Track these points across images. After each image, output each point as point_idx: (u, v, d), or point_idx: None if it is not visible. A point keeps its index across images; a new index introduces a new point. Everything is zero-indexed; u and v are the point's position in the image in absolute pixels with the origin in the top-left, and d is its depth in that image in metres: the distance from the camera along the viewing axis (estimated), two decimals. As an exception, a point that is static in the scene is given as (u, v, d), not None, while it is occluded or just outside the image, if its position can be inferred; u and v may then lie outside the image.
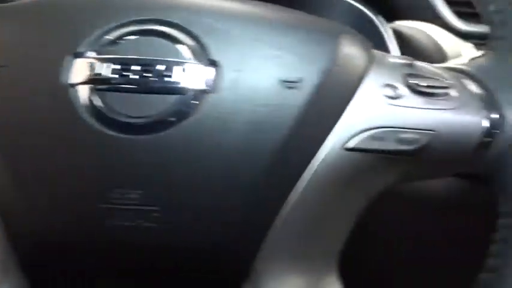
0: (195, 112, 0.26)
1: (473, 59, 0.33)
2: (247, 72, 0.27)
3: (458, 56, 0.58)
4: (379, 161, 0.29)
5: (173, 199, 0.27)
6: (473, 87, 0.31)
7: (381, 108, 0.28)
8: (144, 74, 0.26)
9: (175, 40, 0.27)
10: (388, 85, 0.29)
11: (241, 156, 0.27)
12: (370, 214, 0.35)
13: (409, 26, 0.62)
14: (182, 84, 0.27)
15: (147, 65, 0.27)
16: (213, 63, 0.27)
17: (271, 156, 0.27)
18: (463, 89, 0.30)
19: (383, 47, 0.60)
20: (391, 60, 0.31)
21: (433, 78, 0.30)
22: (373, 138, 0.28)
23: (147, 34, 0.28)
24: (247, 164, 0.27)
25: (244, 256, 0.28)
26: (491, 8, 0.32)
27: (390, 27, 0.63)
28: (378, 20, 0.60)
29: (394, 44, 0.60)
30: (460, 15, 0.63)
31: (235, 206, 0.27)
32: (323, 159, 0.28)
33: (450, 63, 0.40)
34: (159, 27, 0.28)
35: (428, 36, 0.59)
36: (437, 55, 0.57)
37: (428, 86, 0.30)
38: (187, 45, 0.27)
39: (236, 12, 0.28)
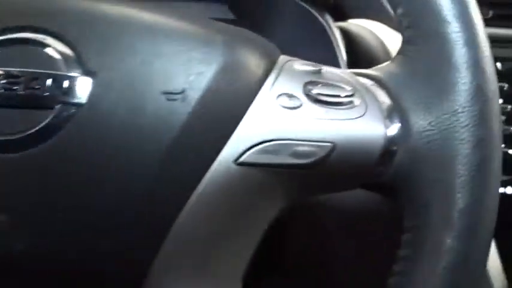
0: (69, 126, 0.24)
1: (388, 64, 0.31)
2: (126, 84, 0.25)
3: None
4: (275, 175, 0.27)
5: (48, 220, 0.25)
6: (381, 95, 0.29)
7: (276, 119, 0.27)
8: (13, 87, 0.24)
9: (48, 49, 0.25)
10: (286, 95, 0.27)
11: (121, 174, 0.25)
12: (279, 228, 0.34)
13: (358, 25, 0.61)
14: (54, 97, 0.25)
15: (16, 77, 0.25)
16: (89, 73, 0.25)
17: (156, 172, 0.25)
18: (369, 97, 0.29)
19: (329, 47, 0.59)
20: (297, 67, 0.29)
21: (337, 86, 0.28)
22: (266, 151, 0.26)
23: (17, 43, 0.26)
24: (128, 182, 0.25)
25: (134, 276, 0.26)
26: (399, 10, 0.30)
27: (338, 26, 0.62)
28: (324, 19, 0.59)
29: (340, 44, 0.58)
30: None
31: (118, 225, 0.25)
32: (214, 175, 0.26)
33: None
34: (30, 34, 0.26)
35: (375, 35, 0.57)
36: (382, 54, 0.55)
37: (329, 95, 0.28)
38: (61, 54, 0.25)
39: (116, 18, 0.27)
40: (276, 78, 0.27)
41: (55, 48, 0.25)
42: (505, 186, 0.51)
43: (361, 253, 0.33)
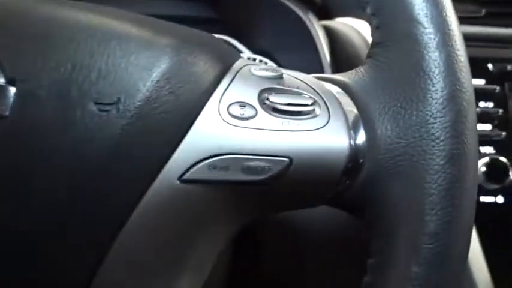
0: None
1: (357, 68, 0.29)
2: (53, 93, 0.22)
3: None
4: (225, 193, 0.24)
5: None
6: (346, 103, 0.26)
7: (226, 131, 0.24)
8: None
9: None
10: (239, 103, 0.25)
11: (50, 195, 0.22)
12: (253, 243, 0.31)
13: (343, 23, 0.58)
14: None
15: None
16: (10, 81, 0.22)
17: (88, 193, 0.23)
18: (333, 105, 0.26)
19: (311, 46, 0.56)
20: (254, 72, 0.26)
21: (297, 94, 0.26)
22: (215, 167, 0.24)
23: None
24: (58, 203, 0.23)
25: None
26: (368, 10, 0.27)
27: (322, 25, 0.59)
28: (307, 18, 0.56)
29: (323, 43, 0.55)
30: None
31: (50, 248, 0.23)
32: (156, 194, 0.23)
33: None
34: None
35: (360, 34, 0.54)
36: (365, 52, 0.53)
37: (287, 104, 0.25)
38: None
39: (42, 18, 0.24)
40: (229, 84, 0.25)
41: None
42: (495, 195, 0.48)
43: (333, 269, 0.31)
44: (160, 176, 0.23)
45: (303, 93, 0.25)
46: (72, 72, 0.22)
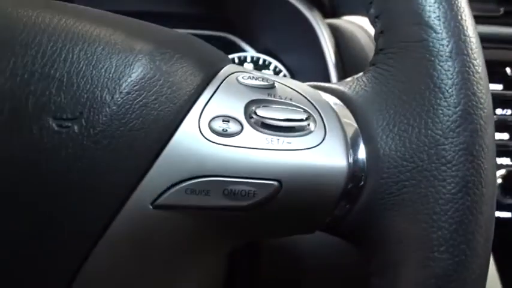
0: None
1: (358, 77, 0.26)
2: (7, 105, 0.19)
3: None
4: (205, 219, 0.21)
5: None
6: (345, 116, 0.23)
7: (206, 150, 0.21)
8: None
9: None
10: (222, 117, 0.22)
11: (7, 221, 0.20)
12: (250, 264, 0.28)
13: (350, 22, 0.55)
14: None
15: None
16: None
17: (49, 219, 0.20)
18: (330, 119, 0.23)
19: (316, 45, 0.53)
20: (242, 80, 0.23)
21: (289, 107, 0.23)
22: (193, 191, 0.21)
23: None
24: (16, 229, 0.20)
25: None
26: (372, 11, 0.24)
27: (328, 23, 0.56)
28: (312, 16, 0.53)
29: (328, 42, 0.52)
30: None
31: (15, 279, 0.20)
32: (125, 221, 0.20)
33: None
34: None
35: (368, 33, 0.51)
36: (371, 49, 0.49)
37: (277, 119, 0.22)
38: None
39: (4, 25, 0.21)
40: (212, 95, 0.22)
41: None
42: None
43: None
44: (130, 202, 0.20)
45: (296, 106, 0.22)
46: (29, 81, 0.19)
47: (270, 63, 0.68)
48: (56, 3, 0.23)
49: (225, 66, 0.24)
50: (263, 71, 0.71)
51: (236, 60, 0.70)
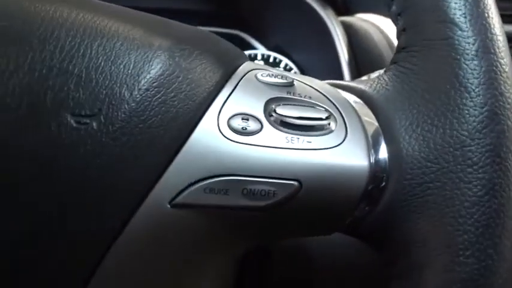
0: None
1: (379, 75, 0.25)
2: (25, 101, 0.19)
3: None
4: (223, 219, 0.21)
5: None
6: (366, 115, 0.23)
7: (225, 148, 0.20)
8: None
9: None
10: (241, 115, 0.21)
11: (26, 217, 0.20)
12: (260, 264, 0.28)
13: (363, 20, 0.54)
14: None
15: None
16: None
17: (67, 216, 0.20)
18: (351, 118, 0.22)
19: (329, 43, 0.53)
20: (261, 78, 0.23)
21: (309, 105, 0.22)
22: (212, 190, 0.20)
23: None
24: (36, 225, 0.20)
25: None
26: (394, 8, 0.24)
27: (341, 21, 0.55)
28: (325, 13, 0.52)
29: (341, 40, 0.52)
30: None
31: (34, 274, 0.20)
32: (143, 220, 0.20)
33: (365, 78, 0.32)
34: None
35: (382, 31, 0.51)
36: (387, 52, 0.49)
37: (298, 117, 0.22)
38: None
39: (16, 17, 0.20)
40: (231, 93, 0.21)
41: None
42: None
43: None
44: (148, 201, 0.20)
45: (317, 105, 0.22)
46: (47, 76, 0.19)
47: (280, 60, 0.68)
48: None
49: (243, 63, 0.23)
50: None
51: (246, 58, 0.69)
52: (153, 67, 0.20)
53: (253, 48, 0.69)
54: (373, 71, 0.52)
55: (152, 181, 0.20)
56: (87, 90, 0.19)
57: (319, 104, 0.22)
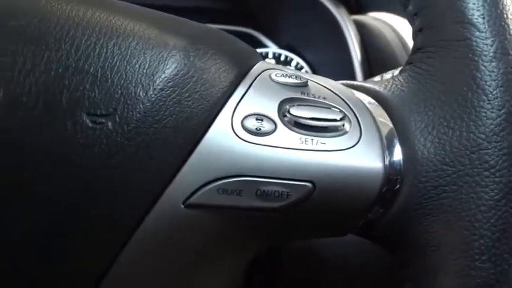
0: None
1: (393, 76, 0.25)
2: (42, 100, 0.19)
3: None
4: (236, 220, 0.21)
5: None
6: (380, 116, 0.23)
7: (239, 148, 0.20)
8: None
9: None
10: (255, 115, 0.21)
11: (40, 214, 0.20)
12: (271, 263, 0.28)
13: (376, 19, 0.54)
14: None
15: None
16: None
17: (81, 213, 0.20)
18: (365, 119, 0.22)
19: (341, 42, 0.52)
20: (275, 78, 0.23)
21: (323, 106, 0.22)
22: (225, 191, 0.20)
23: None
24: (49, 223, 0.20)
25: None
26: (410, 8, 0.23)
27: (354, 20, 0.55)
28: (338, 12, 0.52)
29: (355, 39, 0.51)
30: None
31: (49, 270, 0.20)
32: (157, 219, 0.20)
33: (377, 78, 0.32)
34: None
35: (395, 30, 0.50)
36: (401, 52, 0.48)
37: (312, 118, 0.22)
38: None
39: (31, 16, 0.20)
40: (245, 93, 0.21)
41: None
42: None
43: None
44: (162, 200, 0.20)
45: (331, 106, 0.22)
46: (63, 76, 0.19)
47: (291, 59, 0.68)
48: None
49: (257, 62, 0.23)
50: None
51: (258, 56, 0.69)
52: (168, 67, 0.20)
53: (264, 46, 0.69)
54: (385, 70, 0.52)
55: (166, 181, 0.20)
56: (102, 89, 0.19)
57: (333, 104, 0.22)
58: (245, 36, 0.70)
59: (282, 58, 0.67)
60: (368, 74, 0.49)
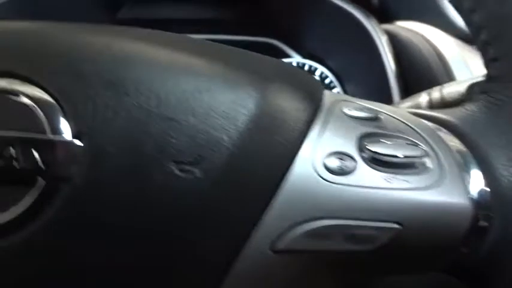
0: (56, 206, 0.18)
1: (466, 105, 0.24)
2: (127, 149, 0.19)
3: (461, 65, 0.49)
4: (325, 262, 0.21)
5: None
6: (459, 150, 0.22)
7: (324, 190, 0.20)
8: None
9: (23, 100, 0.19)
10: (336, 154, 0.21)
11: (127, 264, 0.19)
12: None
13: (407, 29, 0.53)
14: (34, 170, 0.18)
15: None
16: (78, 135, 0.18)
17: (166, 264, 0.19)
18: (444, 153, 0.21)
19: (374, 54, 0.52)
20: (348, 112, 0.22)
21: (401, 142, 0.21)
22: (312, 235, 0.20)
23: None
24: (134, 273, 0.19)
25: None
26: (483, 36, 0.23)
27: (384, 30, 0.54)
28: (370, 24, 0.51)
29: (388, 51, 0.51)
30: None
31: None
32: (244, 266, 0.20)
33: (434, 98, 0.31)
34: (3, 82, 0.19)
35: (428, 41, 0.50)
36: (438, 65, 0.48)
37: (393, 156, 0.21)
38: (41, 107, 0.19)
39: (109, 61, 0.19)
40: (323, 129, 0.21)
41: (33, 99, 0.19)
42: None
43: None
44: (249, 245, 0.19)
45: (409, 140, 0.21)
46: (146, 123, 0.19)
47: (316, 68, 0.67)
48: (153, 34, 0.22)
49: (322, 93, 0.23)
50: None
51: (281, 66, 0.68)
52: (248, 108, 0.19)
53: (287, 55, 0.68)
54: (421, 84, 0.51)
55: (252, 225, 0.19)
56: (186, 136, 0.19)
57: (411, 139, 0.21)
58: (266, 46, 0.70)
59: (306, 67, 0.66)
60: (403, 88, 0.49)
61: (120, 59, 0.20)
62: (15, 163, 0.18)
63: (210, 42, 0.23)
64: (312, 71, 0.67)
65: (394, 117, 0.23)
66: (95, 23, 0.22)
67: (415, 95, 0.37)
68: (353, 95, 0.63)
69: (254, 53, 0.23)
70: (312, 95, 0.22)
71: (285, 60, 0.68)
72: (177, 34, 0.23)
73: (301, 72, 0.24)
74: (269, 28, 0.68)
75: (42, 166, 0.18)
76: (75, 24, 0.22)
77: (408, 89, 0.49)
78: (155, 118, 0.19)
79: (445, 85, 0.36)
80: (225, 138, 0.19)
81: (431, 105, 0.34)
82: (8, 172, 0.18)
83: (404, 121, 0.23)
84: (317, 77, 0.67)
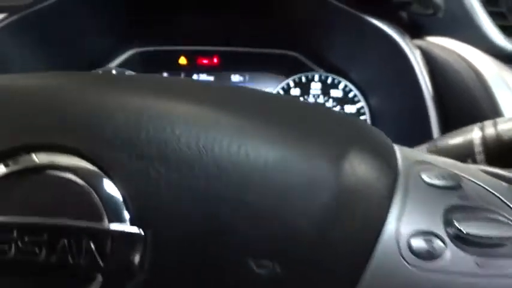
0: None
1: None
2: (192, 240, 0.17)
3: (502, 85, 0.46)
4: None
5: None
6: None
7: (412, 279, 0.18)
8: (33, 251, 0.17)
9: (76, 181, 0.17)
10: (422, 233, 0.19)
11: None
12: None
13: (440, 46, 0.51)
14: (92, 265, 0.16)
15: (35, 234, 0.17)
16: (139, 223, 0.16)
17: None
18: None
19: (408, 72, 0.49)
20: (427, 180, 0.20)
21: (491, 218, 0.19)
22: None
23: (39, 171, 0.17)
24: None
25: None
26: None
27: (417, 46, 0.52)
28: (404, 42, 0.49)
29: (423, 69, 0.48)
30: (503, 29, 0.51)
31: None
32: None
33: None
34: (44, 157, 0.17)
35: (464, 59, 0.47)
36: (476, 85, 0.45)
37: (486, 237, 0.18)
38: (100, 196, 0.17)
39: (170, 140, 0.17)
40: (404, 201, 0.19)
41: (89, 183, 0.17)
42: None
43: None
44: None
45: (498, 214, 0.19)
46: (217, 214, 0.17)
47: (339, 81, 0.65)
48: (204, 90, 0.20)
49: (394, 154, 0.21)
50: (331, 90, 0.67)
51: (303, 80, 0.66)
52: (322, 190, 0.17)
53: (309, 68, 0.66)
54: (460, 105, 0.49)
55: None
56: (263, 229, 0.17)
57: (500, 212, 0.19)
58: (289, 59, 0.67)
59: (329, 81, 0.64)
60: (439, 105, 0.46)
61: (191, 152, 0.17)
62: (70, 258, 0.16)
63: (266, 94, 0.21)
64: (335, 84, 0.65)
65: (475, 182, 0.21)
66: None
67: (464, 128, 0.35)
68: (378, 109, 0.61)
69: (317, 108, 0.21)
70: (387, 159, 0.20)
71: (308, 73, 0.66)
72: (231, 88, 0.21)
73: (373, 131, 0.22)
74: (292, 41, 0.66)
75: (101, 262, 0.16)
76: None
77: (445, 107, 0.46)
78: (225, 207, 0.17)
79: (499, 120, 0.34)
80: (304, 227, 0.17)
81: (486, 143, 0.32)
82: (62, 268, 0.16)
83: (488, 188, 0.20)
84: (340, 91, 0.65)
